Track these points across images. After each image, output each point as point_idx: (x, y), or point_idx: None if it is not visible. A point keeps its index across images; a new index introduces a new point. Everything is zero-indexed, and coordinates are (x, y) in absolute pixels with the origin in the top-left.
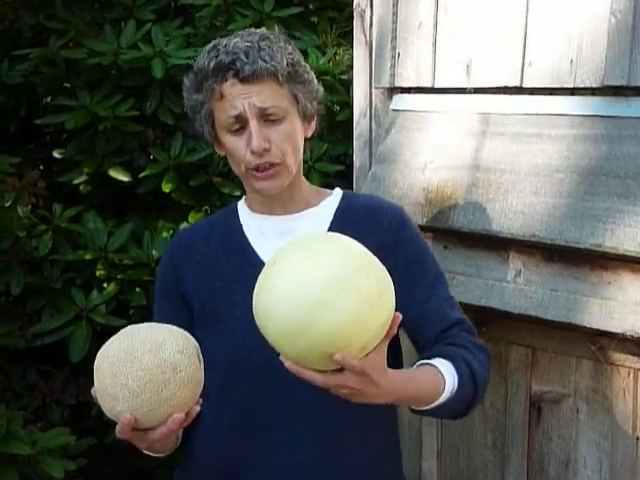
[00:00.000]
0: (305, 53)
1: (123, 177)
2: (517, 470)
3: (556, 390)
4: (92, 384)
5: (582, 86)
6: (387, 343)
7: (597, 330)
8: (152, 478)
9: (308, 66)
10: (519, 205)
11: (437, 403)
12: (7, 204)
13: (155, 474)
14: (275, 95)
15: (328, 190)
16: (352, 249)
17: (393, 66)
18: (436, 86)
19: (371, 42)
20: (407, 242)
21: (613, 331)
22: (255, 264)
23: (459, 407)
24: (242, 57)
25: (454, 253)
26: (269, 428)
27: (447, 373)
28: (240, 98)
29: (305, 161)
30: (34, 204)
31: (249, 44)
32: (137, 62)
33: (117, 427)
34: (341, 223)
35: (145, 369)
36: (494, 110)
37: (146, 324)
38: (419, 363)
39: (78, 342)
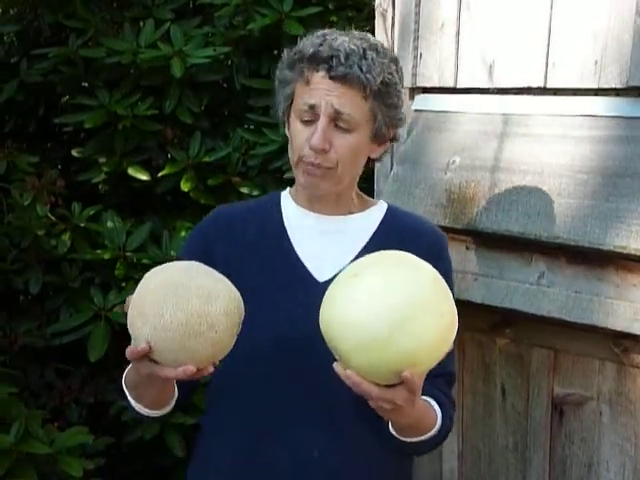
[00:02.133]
0: None
1: (142, 176)
2: (539, 473)
3: (579, 393)
4: (110, 384)
5: (606, 87)
6: None
7: (621, 332)
8: (171, 478)
9: (403, 92)
10: (542, 206)
11: (421, 439)
12: (26, 203)
13: (174, 474)
14: (354, 105)
15: (373, 200)
16: (434, 274)
17: (415, 66)
18: (458, 86)
19: (393, 42)
20: (440, 273)
21: (637, 333)
22: (290, 256)
23: (425, 449)
24: (341, 57)
25: (476, 254)
26: (282, 425)
27: (439, 418)
28: (322, 91)
29: None
30: (53, 203)
31: (354, 47)
32: (156, 61)
33: (130, 348)
34: (384, 236)
35: (186, 312)
36: (517, 111)
37: (211, 269)
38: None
39: (96, 341)
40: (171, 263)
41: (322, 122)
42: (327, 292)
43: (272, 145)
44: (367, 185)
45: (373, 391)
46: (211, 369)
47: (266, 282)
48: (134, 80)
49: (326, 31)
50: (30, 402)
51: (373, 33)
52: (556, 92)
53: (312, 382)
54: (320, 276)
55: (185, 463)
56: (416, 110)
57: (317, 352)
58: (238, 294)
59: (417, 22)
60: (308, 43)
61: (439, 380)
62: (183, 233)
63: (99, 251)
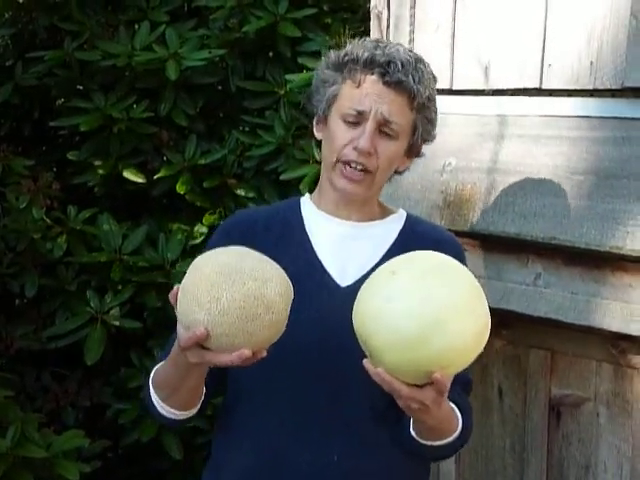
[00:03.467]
0: (318, 54)
1: (137, 179)
2: (536, 474)
3: (576, 394)
4: (107, 386)
5: (602, 88)
6: None
7: (617, 333)
8: None
9: (438, 109)
10: (538, 207)
11: (442, 443)
12: (22, 206)
13: (171, 476)
14: (403, 114)
15: (393, 208)
16: (470, 277)
17: None
18: (454, 88)
19: None
20: None
21: (634, 334)
22: (312, 261)
23: (445, 454)
24: (398, 64)
25: (473, 256)
26: (303, 428)
27: (460, 421)
28: (373, 97)
29: (319, 162)
30: (49, 206)
31: (409, 58)
32: (151, 64)
33: (186, 334)
34: (403, 245)
35: (244, 294)
36: (513, 112)
37: (257, 253)
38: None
39: (93, 345)
40: (218, 249)
41: (370, 126)
42: (361, 289)
43: (268, 147)
44: None
45: (403, 390)
46: (264, 353)
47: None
48: (129, 83)
49: (375, 38)
50: (26, 405)
51: (368, 35)
52: (552, 93)
53: (333, 386)
54: (342, 281)
55: (182, 465)
56: None
57: (338, 356)
58: (284, 274)
59: (412, 24)
60: (359, 49)
61: (457, 387)
62: (179, 236)
63: (95, 254)
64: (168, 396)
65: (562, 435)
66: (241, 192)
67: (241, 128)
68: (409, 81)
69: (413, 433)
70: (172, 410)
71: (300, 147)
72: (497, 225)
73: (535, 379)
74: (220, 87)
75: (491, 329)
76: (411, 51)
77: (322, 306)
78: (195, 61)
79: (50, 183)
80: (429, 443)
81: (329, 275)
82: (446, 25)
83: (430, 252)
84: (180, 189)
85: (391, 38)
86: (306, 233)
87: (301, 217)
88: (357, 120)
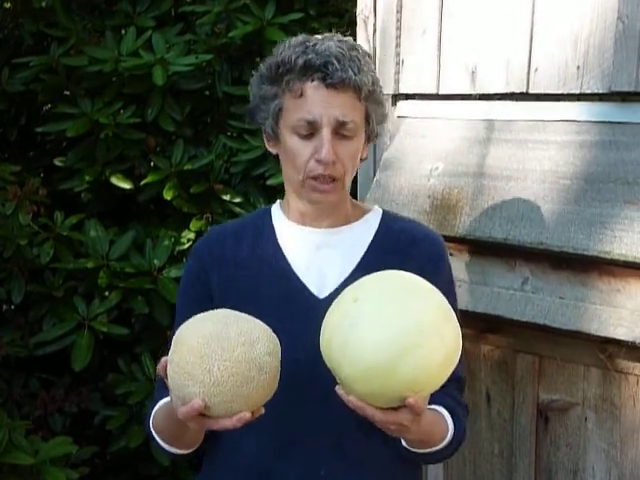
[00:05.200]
0: None
1: (124, 185)
2: (525, 479)
3: (564, 399)
4: (94, 392)
5: (589, 92)
6: None
7: (605, 338)
8: None
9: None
10: (526, 212)
11: (434, 449)
12: (8, 212)
13: None
14: (354, 110)
15: (367, 205)
16: (436, 296)
17: (397, 73)
18: (441, 92)
19: (375, 49)
20: (440, 281)
21: (622, 339)
22: (288, 275)
23: (441, 458)
24: (334, 62)
25: (460, 261)
26: (289, 444)
27: (450, 427)
28: (320, 105)
29: None
30: (35, 212)
31: (342, 51)
32: (138, 69)
33: (184, 408)
34: (381, 245)
35: (235, 361)
36: (500, 116)
37: (239, 314)
38: (429, 407)
39: (80, 351)
40: (199, 316)
41: (326, 135)
42: (326, 316)
43: (254, 152)
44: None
45: (376, 415)
46: (262, 410)
47: (266, 304)
48: (116, 88)
49: (301, 37)
50: (14, 412)
51: (355, 39)
52: (538, 97)
53: (317, 401)
54: (320, 292)
55: (171, 473)
56: (399, 116)
57: (323, 371)
58: (270, 330)
59: (399, 29)
60: (290, 53)
61: (450, 386)
62: (166, 242)
63: (82, 260)
64: (170, 442)
65: (550, 440)
66: (228, 197)
67: (228, 133)
68: (350, 76)
69: (404, 444)
70: (177, 451)
71: None
72: (484, 230)
73: (523, 384)
74: (207, 92)
75: (478, 334)
76: (341, 40)
77: (302, 322)
78: (182, 66)
79: (37, 189)
80: (422, 451)
81: (306, 288)
82: (433, 30)
83: (394, 272)
84: (167, 195)
85: (377, 43)
86: (279, 245)
87: (273, 228)
88: (311, 131)
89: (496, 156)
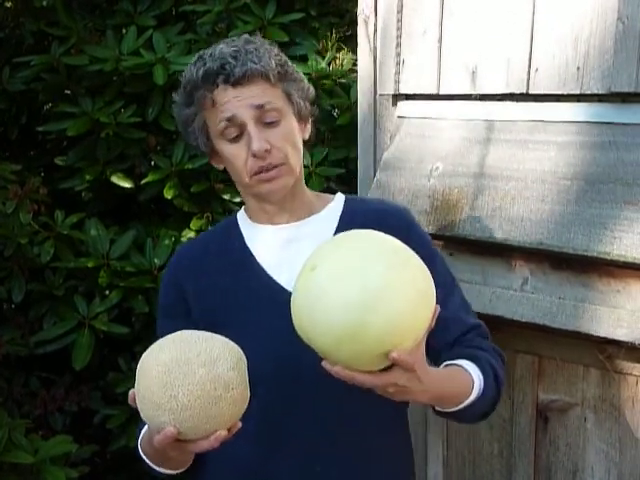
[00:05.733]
0: (305, 58)
1: (125, 184)
2: (524, 479)
3: (563, 399)
4: (95, 391)
5: (589, 93)
6: (426, 337)
7: (605, 338)
8: None
9: (295, 66)
10: (526, 212)
11: (466, 404)
12: (9, 211)
13: None
14: (269, 94)
15: (330, 195)
16: (390, 243)
17: (397, 73)
18: (441, 93)
19: (375, 49)
20: (417, 246)
21: (621, 339)
22: (262, 277)
23: (482, 409)
24: (231, 61)
25: (460, 261)
26: (285, 438)
27: (475, 374)
28: (233, 102)
29: (306, 166)
30: (36, 211)
31: (235, 48)
32: (139, 68)
33: (158, 437)
34: (347, 228)
35: (198, 384)
36: (500, 117)
37: (197, 332)
38: (445, 364)
39: (81, 350)
40: (158, 342)
41: (252, 127)
42: (292, 294)
43: None
44: (346, 188)
45: (367, 380)
46: (239, 425)
47: (243, 308)
48: (117, 87)
49: (198, 53)
50: (14, 411)
51: (355, 39)
52: (538, 98)
53: (307, 396)
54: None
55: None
56: (399, 117)
57: (309, 364)
58: (232, 343)
59: (399, 29)
60: (192, 71)
61: (469, 336)
62: (166, 241)
63: (82, 259)
64: (159, 464)
65: (550, 440)
66: (228, 197)
67: None
68: (251, 67)
69: (434, 407)
70: (169, 471)
71: None
72: (484, 230)
73: (522, 384)
74: None
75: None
76: (234, 40)
77: (280, 318)
78: (183, 66)
79: (37, 188)
80: (454, 409)
81: (278, 284)
82: (433, 30)
83: (348, 232)
84: (167, 194)
85: (378, 43)
86: (248, 249)
87: (240, 233)
88: (237, 132)
89: (496, 156)
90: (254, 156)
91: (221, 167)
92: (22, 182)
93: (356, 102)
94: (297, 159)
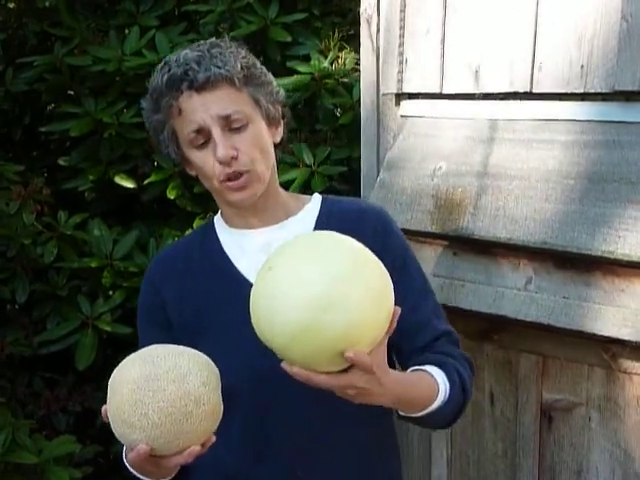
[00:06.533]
0: (308, 58)
1: (128, 184)
2: (528, 479)
3: (567, 398)
4: (98, 391)
5: (592, 91)
6: (387, 340)
7: (609, 338)
8: None
9: (264, 68)
10: (529, 211)
11: (430, 410)
12: (12, 212)
13: None
14: (235, 100)
15: (306, 196)
16: (348, 244)
17: (400, 72)
18: (444, 92)
19: (378, 48)
20: (393, 249)
21: (626, 339)
22: (240, 282)
23: (447, 416)
24: (194, 66)
25: (464, 260)
26: (267, 444)
27: (440, 380)
28: (199, 111)
29: (308, 165)
30: (39, 212)
31: (200, 53)
32: (141, 68)
33: (131, 455)
34: (324, 229)
35: (168, 400)
36: (503, 116)
37: (168, 347)
38: (412, 369)
39: (84, 350)
40: (127, 359)
41: (217, 134)
42: (251, 295)
43: None
44: (349, 187)
45: (323, 381)
46: (213, 438)
47: (221, 314)
48: (120, 88)
49: (164, 59)
50: (17, 411)
51: (358, 39)
52: (542, 97)
53: (287, 401)
54: None
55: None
56: (402, 116)
57: (284, 371)
58: (203, 356)
59: (402, 28)
60: (157, 78)
61: (439, 342)
62: (170, 241)
63: (86, 259)
64: (144, 475)
65: (554, 440)
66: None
67: None
68: (214, 72)
69: (398, 411)
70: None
71: (290, 151)
72: (488, 229)
73: (526, 384)
74: None
75: (482, 334)
76: (200, 45)
77: None
78: None
79: (40, 188)
80: (418, 414)
81: None
82: (436, 29)
83: (307, 234)
84: (170, 194)
85: (381, 42)
86: (226, 255)
87: (218, 239)
88: (204, 139)
89: (500, 155)
90: (220, 163)
91: (193, 173)
92: (25, 183)
93: (359, 101)
94: (266, 165)
